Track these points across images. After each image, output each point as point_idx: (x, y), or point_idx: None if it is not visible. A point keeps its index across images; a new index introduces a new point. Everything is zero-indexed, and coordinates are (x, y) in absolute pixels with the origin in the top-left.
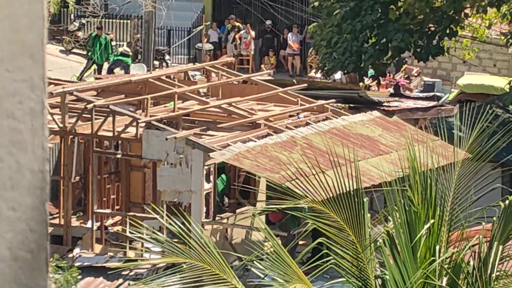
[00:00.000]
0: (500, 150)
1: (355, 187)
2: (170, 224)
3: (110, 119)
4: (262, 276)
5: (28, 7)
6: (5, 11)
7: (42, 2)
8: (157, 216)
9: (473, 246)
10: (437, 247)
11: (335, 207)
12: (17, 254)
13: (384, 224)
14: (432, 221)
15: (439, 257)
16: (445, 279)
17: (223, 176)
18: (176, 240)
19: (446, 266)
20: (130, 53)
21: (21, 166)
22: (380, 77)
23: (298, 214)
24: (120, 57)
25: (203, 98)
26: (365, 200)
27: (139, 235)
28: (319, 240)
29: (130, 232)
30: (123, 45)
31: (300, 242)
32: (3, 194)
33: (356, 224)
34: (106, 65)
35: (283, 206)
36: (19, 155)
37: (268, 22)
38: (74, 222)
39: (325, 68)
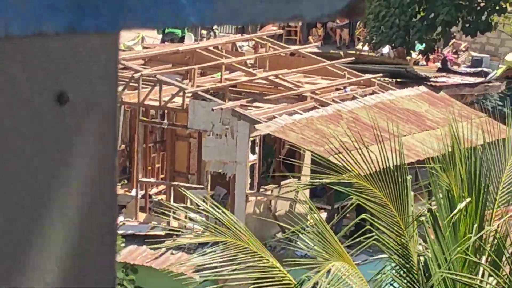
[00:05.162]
0: None
1: (399, 163)
2: (210, 206)
3: (156, 88)
4: (304, 251)
5: None
6: None
7: None
8: (203, 186)
9: None
10: (475, 226)
11: (378, 183)
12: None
13: (427, 201)
14: (468, 199)
15: (477, 235)
16: (484, 258)
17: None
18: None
19: (489, 245)
20: None
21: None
22: (428, 53)
23: (341, 189)
24: (172, 30)
25: (250, 70)
26: (408, 177)
27: (183, 205)
28: (362, 216)
29: (174, 202)
30: None
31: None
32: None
33: (399, 200)
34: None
35: (327, 181)
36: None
37: None
38: (119, 190)
39: (373, 42)
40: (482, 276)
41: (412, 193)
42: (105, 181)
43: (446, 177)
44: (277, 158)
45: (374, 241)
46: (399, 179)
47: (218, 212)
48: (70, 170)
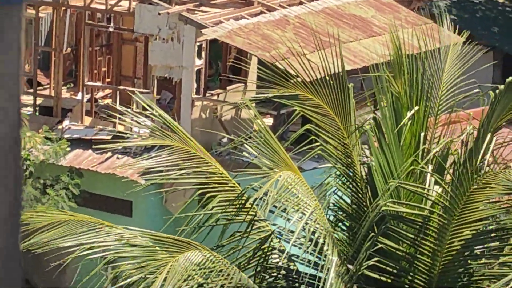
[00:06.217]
0: (494, 36)
1: (339, 72)
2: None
3: None
4: (250, 159)
5: None
6: None
7: None
8: (148, 91)
9: (461, 134)
10: (422, 134)
11: (321, 92)
12: None
13: (371, 110)
14: (416, 108)
15: (424, 144)
16: (430, 166)
17: None
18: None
19: (433, 153)
20: None
21: None
22: None
23: (285, 102)
24: None
25: None
26: (350, 85)
27: (129, 109)
28: (307, 127)
29: (120, 106)
30: None
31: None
32: None
33: (341, 109)
34: None
35: (271, 95)
36: None
37: None
38: (65, 93)
39: None
40: (428, 184)
41: (353, 101)
42: (8, 157)
43: (395, 84)
44: (224, 63)
45: (319, 151)
46: (341, 87)
47: (165, 116)
48: None
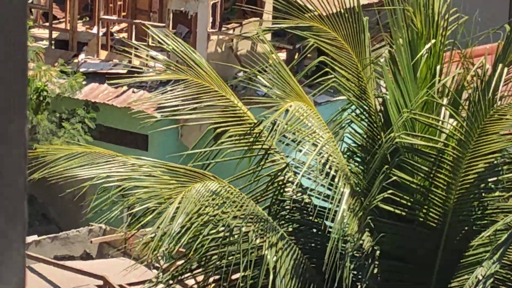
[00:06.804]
0: None
1: (355, 4)
2: (173, 40)
3: None
4: (264, 90)
5: None
6: None
7: None
8: (164, 24)
9: (477, 68)
10: (438, 67)
11: (336, 24)
12: None
13: (386, 43)
14: (433, 41)
15: (440, 77)
16: (445, 100)
17: None
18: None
19: (443, 81)
20: None
21: None
22: None
23: (299, 33)
24: None
25: None
26: (365, 18)
27: (144, 43)
28: (321, 58)
29: (136, 40)
30: None
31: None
32: None
33: (356, 42)
34: None
35: (286, 26)
36: None
37: None
38: (80, 27)
39: None
40: (443, 118)
41: (368, 34)
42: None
43: (412, 17)
44: None
45: (333, 84)
46: (357, 21)
47: (180, 50)
48: None
